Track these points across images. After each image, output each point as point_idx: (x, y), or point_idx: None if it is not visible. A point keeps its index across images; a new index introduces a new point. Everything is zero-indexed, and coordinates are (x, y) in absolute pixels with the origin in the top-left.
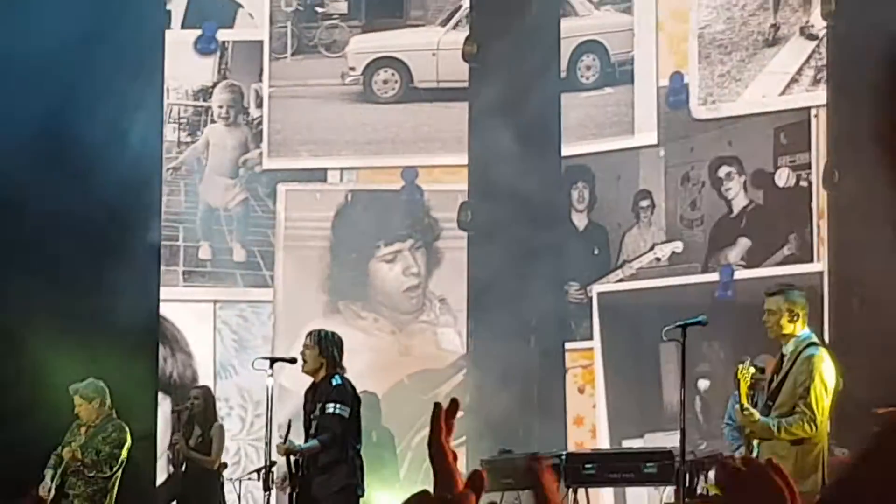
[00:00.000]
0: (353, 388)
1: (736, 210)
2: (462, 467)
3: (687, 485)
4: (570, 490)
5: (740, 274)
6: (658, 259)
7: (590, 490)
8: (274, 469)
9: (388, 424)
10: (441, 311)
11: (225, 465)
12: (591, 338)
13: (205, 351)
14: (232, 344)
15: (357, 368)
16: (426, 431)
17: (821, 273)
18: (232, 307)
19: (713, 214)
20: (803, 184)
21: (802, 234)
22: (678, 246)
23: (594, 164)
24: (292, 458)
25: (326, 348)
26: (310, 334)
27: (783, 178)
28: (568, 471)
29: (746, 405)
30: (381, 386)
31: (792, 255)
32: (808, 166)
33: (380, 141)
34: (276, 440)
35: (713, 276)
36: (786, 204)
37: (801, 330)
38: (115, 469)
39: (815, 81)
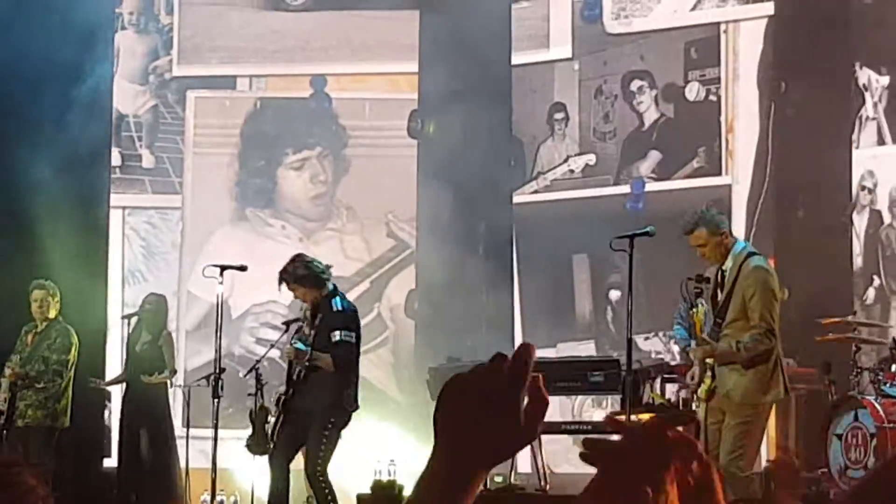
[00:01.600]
0: (355, 309)
1: (647, 123)
2: (408, 377)
3: (633, 394)
4: None
5: (651, 186)
6: (572, 171)
7: None
8: (223, 377)
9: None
10: (348, 219)
11: (174, 371)
12: None
13: (113, 257)
14: (140, 250)
15: (263, 276)
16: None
17: (729, 186)
18: (140, 214)
19: (625, 127)
20: (713, 98)
21: (711, 148)
22: (591, 158)
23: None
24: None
25: (305, 280)
26: (282, 278)
27: (693, 92)
28: None
29: (703, 338)
30: (288, 293)
31: (701, 168)
32: (718, 81)
33: (289, 49)
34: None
35: (625, 189)
36: (695, 118)
37: (734, 243)
38: (64, 375)
39: None
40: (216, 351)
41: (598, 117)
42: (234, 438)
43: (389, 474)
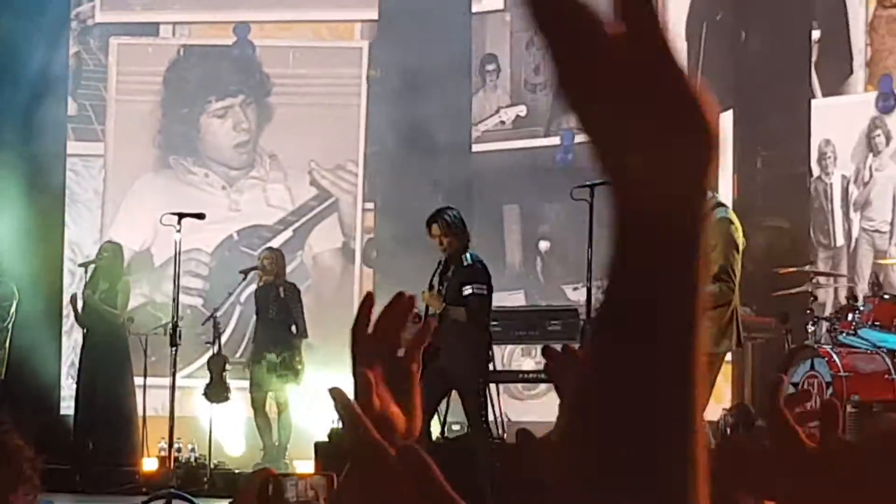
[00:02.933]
0: (484, 266)
1: None
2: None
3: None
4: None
5: (581, 138)
6: (503, 122)
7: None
8: (180, 326)
9: (218, 278)
10: (271, 168)
11: (131, 320)
12: None
13: None
14: None
15: (186, 224)
16: (254, 286)
17: None
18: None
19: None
20: None
21: None
22: (522, 110)
23: None
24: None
25: (446, 227)
26: (432, 222)
27: None
28: None
29: None
30: (211, 241)
31: None
32: None
33: None
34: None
35: (555, 140)
36: None
37: None
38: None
39: None
40: (174, 300)
41: (529, 69)
42: (192, 387)
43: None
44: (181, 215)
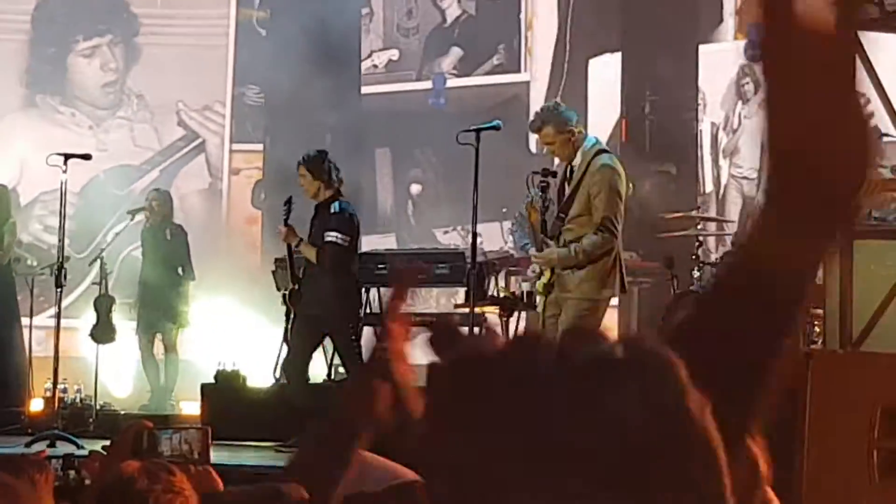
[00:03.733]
0: (352, 216)
1: (449, 20)
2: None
3: (478, 286)
4: (364, 290)
5: (453, 82)
6: (375, 66)
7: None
8: (66, 267)
9: (86, 217)
10: (138, 108)
11: (18, 260)
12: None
13: None
14: None
15: (53, 163)
16: (122, 224)
17: (527, 83)
18: None
19: (427, 24)
20: None
21: (511, 45)
22: (394, 54)
23: None
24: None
25: (317, 171)
26: (299, 162)
27: None
28: (361, 270)
29: (543, 239)
30: (79, 180)
31: (500, 66)
32: None
33: None
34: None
35: (427, 84)
36: (496, 15)
37: (583, 139)
38: None
39: None
40: (59, 240)
41: (401, 13)
42: (77, 328)
43: (234, 365)
44: (67, 156)
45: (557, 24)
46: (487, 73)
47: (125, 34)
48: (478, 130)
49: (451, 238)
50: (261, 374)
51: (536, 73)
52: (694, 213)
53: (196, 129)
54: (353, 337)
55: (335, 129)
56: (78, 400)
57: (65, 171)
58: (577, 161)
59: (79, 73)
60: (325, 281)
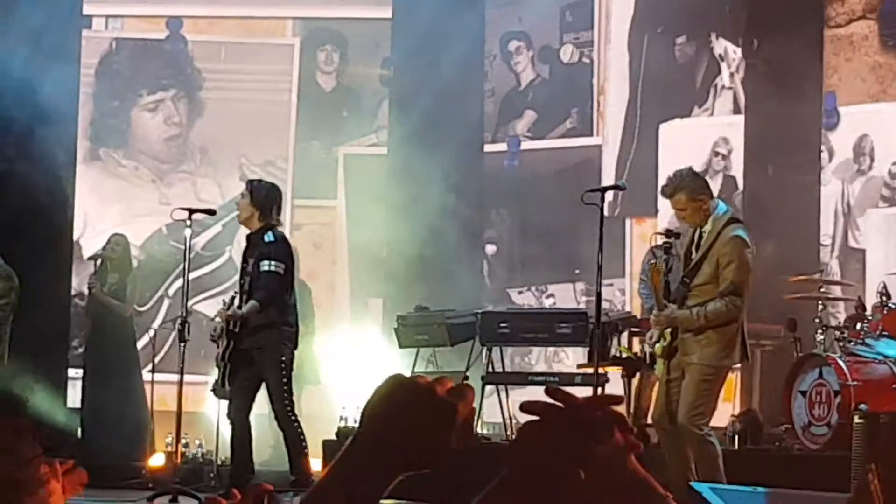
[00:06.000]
0: (288, 244)
1: (524, 83)
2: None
3: (600, 346)
4: (485, 349)
5: (526, 145)
6: None
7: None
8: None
9: (148, 271)
10: (202, 162)
11: (139, 313)
12: (334, 197)
13: None
14: None
15: (117, 217)
16: (181, 280)
17: (599, 146)
18: None
19: (503, 86)
20: (585, 60)
21: (583, 109)
22: None
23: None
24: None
25: (258, 198)
26: (247, 183)
27: (567, 54)
28: (482, 329)
29: (664, 302)
30: (140, 234)
31: (573, 129)
32: (591, 44)
33: None
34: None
35: (502, 146)
36: (569, 79)
37: (714, 206)
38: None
39: None
40: (184, 295)
41: None
42: (198, 383)
43: (354, 421)
44: (192, 210)
45: (629, 89)
46: (560, 137)
47: (189, 88)
48: (603, 190)
49: (526, 299)
50: None
51: (608, 137)
52: (817, 275)
53: None
54: (285, 376)
55: None
56: (199, 455)
57: (189, 226)
58: (707, 228)
59: (142, 127)
60: (263, 318)
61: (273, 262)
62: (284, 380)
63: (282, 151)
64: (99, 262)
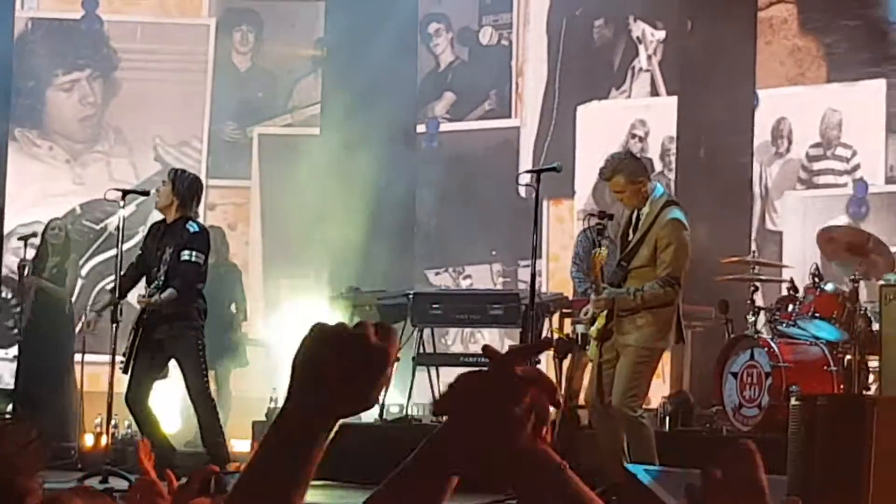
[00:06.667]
0: (208, 236)
1: (443, 65)
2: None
3: (533, 328)
4: (416, 330)
5: (445, 126)
6: None
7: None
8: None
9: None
10: (116, 142)
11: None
12: (248, 177)
13: None
14: None
15: (31, 196)
16: (98, 258)
17: (517, 128)
18: None
19: (423, 68)
20: (504, 42)
21: (502, 91)
22: None
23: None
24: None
25: (180, 187)
26: (170, 171)
27: (486, 36)
28: (414, 311)
29: (603, 285)
30: (54, 213)
31: (492, 111)
32: (510, 26)
33: None
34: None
35: (421, 128)
36: (488, 61)
37: (652, 188)
38: None
39: None
40: (116, 277)
41: None
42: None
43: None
44: (125, 192)
45: (547, 71)
46: (479, 119)
47: (104, 69)
48: (538, 172)
49: (443, 279)
50: None
51: (526, 119)
52: (750, 257)
53: (172, 162)
54: (202, 359)
55: None
56: (129, 436)
57: (123, 206)
58: (644, 210)
59: (57, 107)
60: (180, 304)
61: (194, 253)
62: (203, 364)
63: (196, 132)
64: (39, 245)
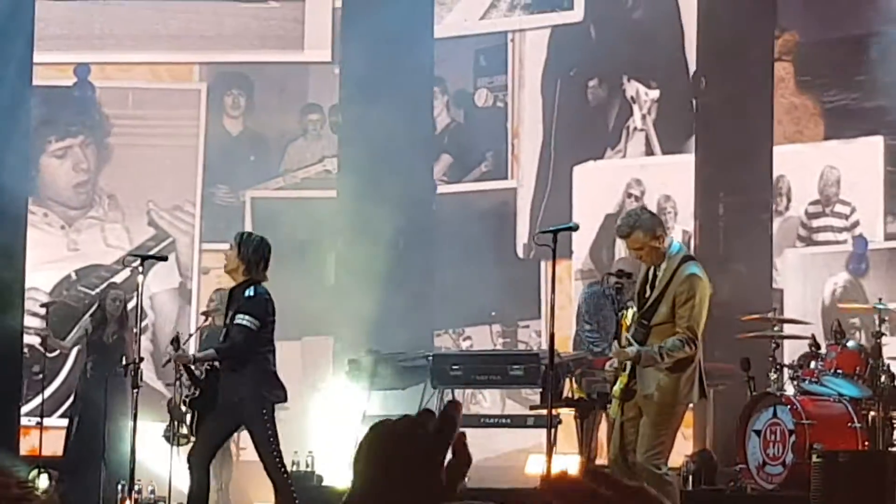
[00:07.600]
0: (268, 300)
1: (440, 128)
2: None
3: (553, 388)
4: (437, 391)
5: (443, 188)
6: (329, 171)
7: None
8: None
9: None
10: (110, 207)
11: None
12: None
13: None
14: None
15: (27, 263)
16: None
17: (514, 189)
18: None
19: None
20: (500, 104)
21: (498, 152)
22: None
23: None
24: (191, 366)
25: (245, 251)
26: (237, 235)
27: (482, 98)
28: (434, 372)
29: (628, 339)
30: (49, 280)
31: (489, 172)
32: (505, 87)
33: (53, 37)
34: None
35: None
36: (483, 123)
37: (669, 244)
38: None
39: (512, 7)
40: (136, 342)
41: None
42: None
43: (307, 465)
44: (143, 257)
45: (542, 132)
46: (476, 180)
47: (97, 135)
48: (555, 231)
49: (443, 341)
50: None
51: (523, 180)
52: (770, 314)
53: (165, 227)
54: (269, 426)
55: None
56: (152, 500)
57: (141, 272)
58: (662, 267)
59: (50, 174)
60: (237, 369)
61: (248, 317)
62: (269, 430)
63: (189, 196)
64: (94, 311)
